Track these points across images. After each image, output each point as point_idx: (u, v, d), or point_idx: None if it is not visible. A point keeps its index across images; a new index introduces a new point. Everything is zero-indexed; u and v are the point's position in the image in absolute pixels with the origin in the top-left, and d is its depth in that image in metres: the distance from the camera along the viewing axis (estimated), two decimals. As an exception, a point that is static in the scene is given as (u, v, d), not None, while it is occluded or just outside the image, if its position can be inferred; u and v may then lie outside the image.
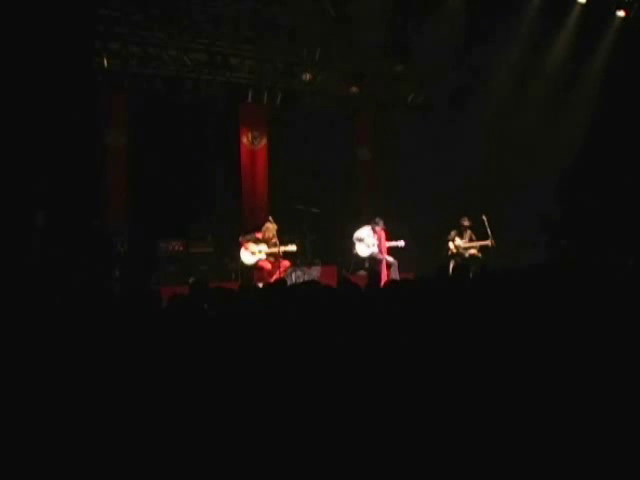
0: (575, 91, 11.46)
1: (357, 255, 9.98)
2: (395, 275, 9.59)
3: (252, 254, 9.33)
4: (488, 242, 9.84)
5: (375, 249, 9.86)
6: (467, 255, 10.11)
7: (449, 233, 10.21)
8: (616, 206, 10.63)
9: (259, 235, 9.36)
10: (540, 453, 2.45)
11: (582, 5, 10.87)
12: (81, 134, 8.72)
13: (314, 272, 10.26)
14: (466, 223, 10.13)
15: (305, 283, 4.55)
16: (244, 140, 11.48)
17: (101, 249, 8.77)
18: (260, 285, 7.57)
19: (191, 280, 8.50)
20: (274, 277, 9.07)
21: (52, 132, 8.08)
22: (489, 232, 9.78)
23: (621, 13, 11.03)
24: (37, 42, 7.67)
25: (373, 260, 9.85)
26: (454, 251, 10.11)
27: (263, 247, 9.33)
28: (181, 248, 10.01)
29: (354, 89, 11.61)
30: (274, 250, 9.26)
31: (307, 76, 11.17)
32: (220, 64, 10.62)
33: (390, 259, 9.82)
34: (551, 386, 2.76)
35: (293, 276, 9.89)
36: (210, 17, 10.14)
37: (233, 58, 10.74)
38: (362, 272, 10.10)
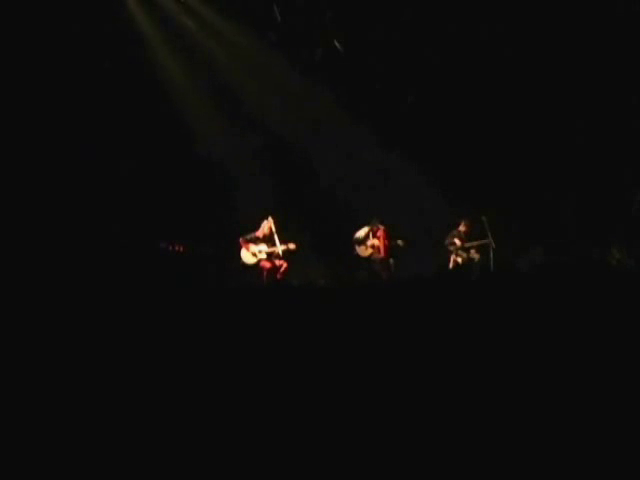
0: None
1: (357, 255, 9.98)
2: (395, 275, 9.60)
3: (252, 254, 9.35)
4: (487, 242, 9.83)
5: (375, 249, 9.86)
6: (467, 255, 10.10)
7: (449, 234, 10.21)
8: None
9: (259, 234, 9.38)
10: (539, 452, 2.47)
11: None
12: (85, 133, 8.77)
13: (314, 272, 10.26)
14: (465, 223, 10.13)
15: (305, 283, 4.57)
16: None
17: None
18: (261, 285, 7.60)
19: (192, 281, 8.53)
20: (274, 277, 9.09)
21: (56, 132, 8.13)
22: (488, 232, 9.77)
23: None
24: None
25: (373, 260, 9.86)
26: (454, 251, 10.11)
27: (263, 247, 9.34)
28: (181, 249, 10.00)
29: None
30: (274, 250, 9.29)
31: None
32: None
33: (390, 259, 9.82)
34: (551, 387, 2.78)
35: (292, 276, 9.89)
36: None
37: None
38: (362, 272, 10.10)
